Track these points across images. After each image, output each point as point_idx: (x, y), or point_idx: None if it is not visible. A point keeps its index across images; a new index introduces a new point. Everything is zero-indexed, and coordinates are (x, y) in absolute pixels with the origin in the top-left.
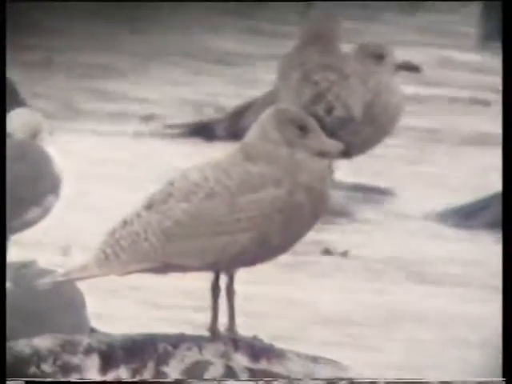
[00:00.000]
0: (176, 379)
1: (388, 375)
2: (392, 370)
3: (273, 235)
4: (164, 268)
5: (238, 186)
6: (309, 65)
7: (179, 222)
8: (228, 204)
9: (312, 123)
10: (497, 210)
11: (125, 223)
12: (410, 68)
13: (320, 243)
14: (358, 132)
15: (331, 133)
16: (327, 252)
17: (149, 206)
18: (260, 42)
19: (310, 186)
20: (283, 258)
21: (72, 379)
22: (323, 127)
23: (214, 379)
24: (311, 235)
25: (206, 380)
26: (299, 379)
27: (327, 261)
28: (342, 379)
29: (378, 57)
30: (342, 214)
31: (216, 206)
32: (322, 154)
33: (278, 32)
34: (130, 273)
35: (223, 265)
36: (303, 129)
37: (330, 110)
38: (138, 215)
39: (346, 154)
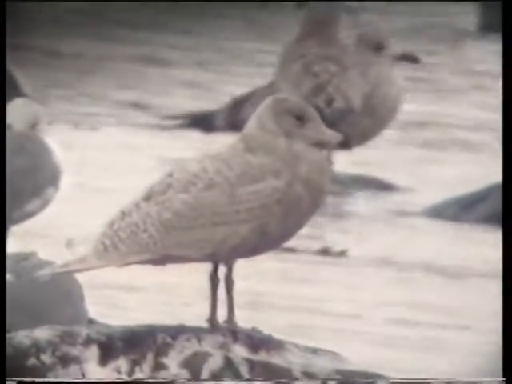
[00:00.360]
0: (172, 379)
1: (386, 368)
2: (390, 362)
3: (271, 226)
4: (163, 259)
5: (238, 177)
6: (309, 56)
7: (178, 214)
8: (227, 195)
9: (311, 113)
10: (495, 201)
11: (123, 214)
12: (410, 59)
13: (318, 238)
14: (357, 123)
15: (331, 124)
16: (325, 252)
17: (147, 198)
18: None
19: (308, 177)
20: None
21: (71, 370)
22: (323, 119)
23: (210, 379)
24: (309, 228)
25: (201, 380)
26: (296, 379)
27: (326, 255)
28: (335, 379)
29: (377, 47)
30: (340, 205)
31: (215, 197)
32: (321, 144)
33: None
34: (128, 264)
35: (222, 256)
36: (301, 119)
37: (330, 102)
38: (137, 206)
39: (345, 145)
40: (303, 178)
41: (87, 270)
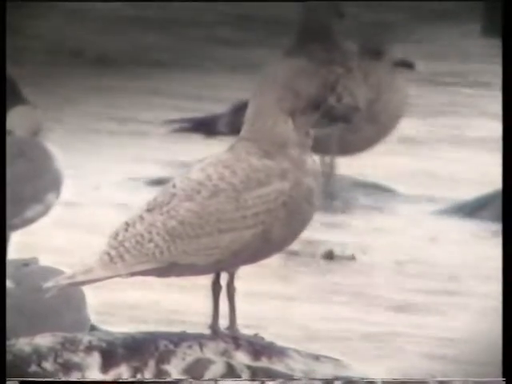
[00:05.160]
0: (175, 379)
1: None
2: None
3: (275, 230)
4: (169, 270)
5: (243, 182)
6: (313, 61)
7: (184, 222)
8: (233, 201)
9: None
10: (498, 207)
11: (127, 225)
12: (405, 65)
13: (321, 242)
14: (359, 130)
15: (343, 119)
16: (329, 256)
17: (151, 209)
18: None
19: (316, 169)
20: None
21: (72, 378)
22: (335, 114)
23: (212, 379)
24: (311, 233)
25: (204, 380)
26: (296, 379)
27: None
28: (339, 379)
29: (378, 53)
30: (344, 210)
31: (221, 204)
32: None
33: None
34: (135, 274)
35: (228, 262)
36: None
37: (339, 99)
38: (141, 217)
39: (347, 151)
40: (312, 171)
41: (93, 281)
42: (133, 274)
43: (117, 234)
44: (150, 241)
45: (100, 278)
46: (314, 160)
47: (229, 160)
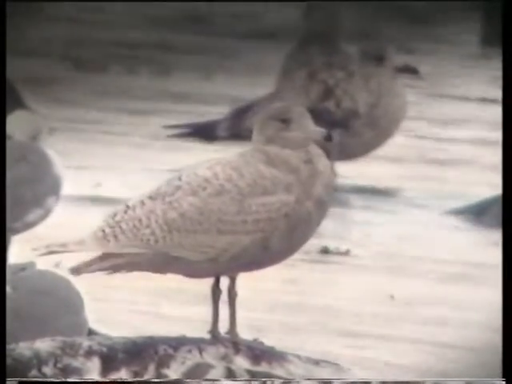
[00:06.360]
0: (175, 379)
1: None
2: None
3: (274, 240)
4: (161, 261)
5: (249, 186)
6: (313, 65)
7: (184, 215)
8: (237, 204)
9: (296, 113)
10: (497, 212)
11: (127, 208)
12: (409, 71)
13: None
14: (359, 134)
15: (341, 124)
16: (325, 251)
17: (153, 197)
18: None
19: (321, 195)
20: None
21: (70, 380)
22: (334, 120)
23: (213, 379)
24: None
25: (205, 380)
26: (293, 379)
27: (329, 263)
28: (337, 379)
29: (379, 59)
30: (345, 217)
31: (224, 204)
32: (307, 142)
33: None
34: (124, 256)
35: (226, 266)
36: (286, 121)
37: (338, 104)
38: (142, 203)
39: (347, 156)
40: (316, 197)
41: (82, 252)
42: (127, 266)
43: (115, 215)
44: (148, 227)
45: (90, 250)
46: (322, 190)
47: (237, 162)
